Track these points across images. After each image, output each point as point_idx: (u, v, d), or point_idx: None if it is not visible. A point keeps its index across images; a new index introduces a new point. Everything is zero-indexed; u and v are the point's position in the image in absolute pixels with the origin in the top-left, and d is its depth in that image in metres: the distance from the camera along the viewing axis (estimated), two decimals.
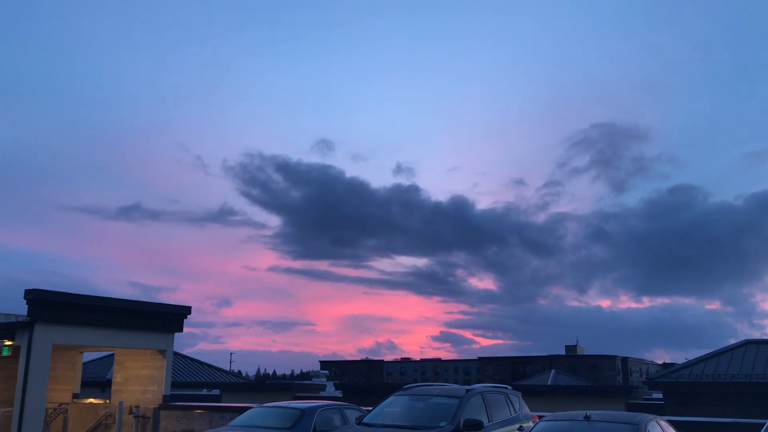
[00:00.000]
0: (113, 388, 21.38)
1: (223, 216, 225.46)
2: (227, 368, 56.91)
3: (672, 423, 11.35)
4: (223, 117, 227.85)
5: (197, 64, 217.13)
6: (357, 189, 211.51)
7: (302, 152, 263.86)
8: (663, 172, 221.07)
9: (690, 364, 24.28)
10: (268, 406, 13.62)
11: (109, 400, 21.53)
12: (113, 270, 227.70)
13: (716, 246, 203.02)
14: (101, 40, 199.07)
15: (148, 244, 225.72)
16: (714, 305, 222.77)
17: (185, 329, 21.26)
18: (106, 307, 18.76)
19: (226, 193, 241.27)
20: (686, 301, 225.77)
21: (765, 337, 26.74)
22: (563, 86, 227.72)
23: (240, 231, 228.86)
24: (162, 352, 20.30)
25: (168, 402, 19.75)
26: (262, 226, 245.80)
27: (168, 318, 20.38)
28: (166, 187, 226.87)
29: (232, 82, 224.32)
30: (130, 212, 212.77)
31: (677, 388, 23.02)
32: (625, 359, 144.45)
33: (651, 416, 9.94)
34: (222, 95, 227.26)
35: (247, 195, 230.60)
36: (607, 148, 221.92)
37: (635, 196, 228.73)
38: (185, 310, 20.83)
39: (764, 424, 9.05)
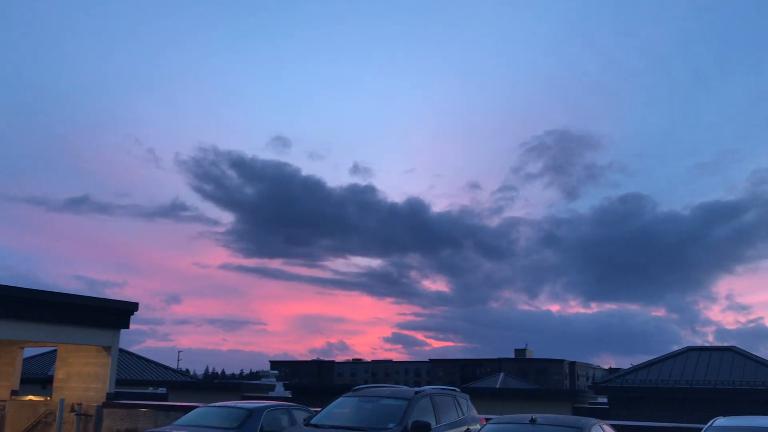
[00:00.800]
0: (55, 385, 20.77)
1: (174, 211, 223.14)
2: (175, 366, 56.09)
3: (616, 427, 11.56)
4: (176, 110, 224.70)
5: (151, 55, 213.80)
6: (313, 187, 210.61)
7: (258, 148, 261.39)
8: (614, 181, 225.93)
9: (634, 370, 24.84)
10: (214, 406, 13.41)
11: (50, 397, 20.92)
12: (59, 263, 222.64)
13: (663, 254, 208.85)
14: (49, 25, 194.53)
15: (96, 238, 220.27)
16: (659, 312, 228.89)
17: (132, 326, 20.81)
18: (48, 301, 18.20)
19: (178, 187, 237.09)
20: (633, 308, 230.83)
21: (706, 344, 27.56)
22: (521, 92, 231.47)
23: (191, 227, 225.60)
24: (107, 348, 19.80)
25: (112, 400, 19.27)
26: (215, 222, 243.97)
27: (114, 314, 19.89)
28: (116, 180, 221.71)
29: (187, 75, 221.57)
30: (78, 204, 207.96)
31: (622, 392, 23.53)
32: (572, 363, 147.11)
33: (595, 420, 10.10)
34: (176, 88, 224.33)
35: (199, 190, 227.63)
36: (561, 155, 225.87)
37: (586, 203, 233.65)
38: (132, 306, 20.37)
39: (701, 428, 9.27)
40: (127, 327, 20.27)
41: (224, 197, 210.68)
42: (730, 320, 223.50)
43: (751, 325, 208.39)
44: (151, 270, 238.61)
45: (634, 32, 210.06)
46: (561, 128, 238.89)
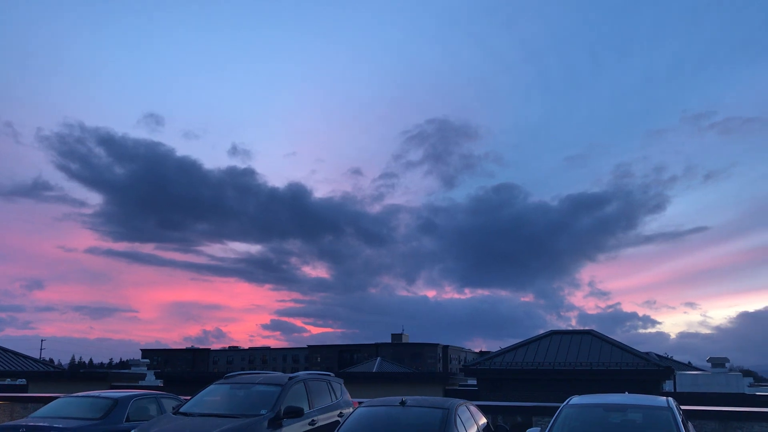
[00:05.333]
0: None
1: (36, 190, 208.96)
2: (37, 356, 52.89)
3: (482, 407, 12.08)
4: (39, 82, 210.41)
5: (10, 23, 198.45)
6: (188, 169, 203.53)
7: (128, 126, 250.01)
8: (489, 170, 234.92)
9: (502, 353, 25.97)
10: (77, 396, 12.83)
11: None
12: None
13: (532, 243, 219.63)
14: None
15: None
16: (528, 298, 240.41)
17: None
18: None
19: (41, 165, 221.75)
20: (504, 294, 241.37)
21: (569, 328, 29.26)
22: (404, 80, 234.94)
23: (55, 208, 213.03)
24: None
25: None
26: (81, 203, 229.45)
27: None
28: None
29: (51, 46, 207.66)
30: None
31: (490, 374, 24.57)
32: (446, 347, 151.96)
33: (461, 401, 10.52)
34: (39, 59, 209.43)
35: (64, 169, 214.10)
36: (440, 144, 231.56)
37: (463, 192, 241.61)
38: None
39: (559, 406, 9.88)
40: None
41: (92, 177, 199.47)
42: (591, 305, 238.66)
43: (610, 310, 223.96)
44: (10, 253, 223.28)
45: (513, 25, 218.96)
46: (441, 117, 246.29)
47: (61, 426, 11.00)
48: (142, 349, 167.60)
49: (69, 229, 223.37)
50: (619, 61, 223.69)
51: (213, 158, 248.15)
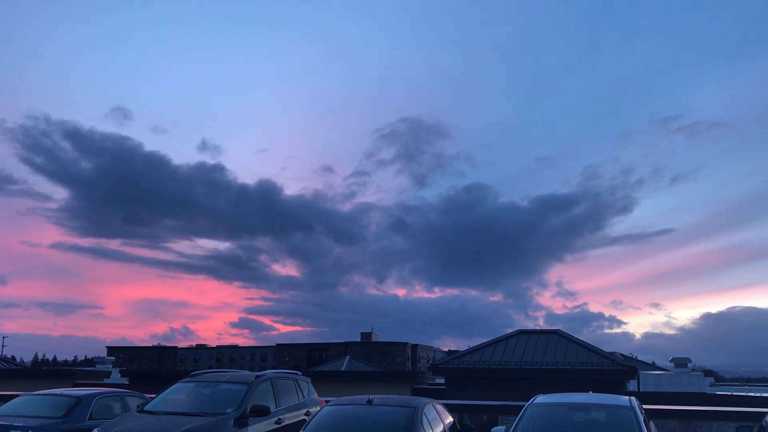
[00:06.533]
0: None
1: None
2: None
3: (449, 406, 12.16)
4: (1, 73, 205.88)
5: None
6: (156, 164, 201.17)
7: (95, 119, 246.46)
8: (460, 170, 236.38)
9: (470, 352, 26.15)
10: (39, 394, 12.60)
11: None
12: None
13: (502, 243, 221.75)
14: None
15: None
16: (497, 297, 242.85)
17: None
18: None
19: (4, 158, 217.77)
20: (473, 293, 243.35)
21: (536, 328, 29.54)
22: (378, 78, 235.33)
23: (19, 202, 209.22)
24: None
25: None
26: (46, 198, 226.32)
27: None
28: None
29: (14, 36, 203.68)
30: None
31: (457, 373, 24.75)
32: (414, 346, 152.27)
33: (428, 400, 10.57)
34: (1, 49, 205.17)
35: (28, 162, 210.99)
36: (412, 143, 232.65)
37: (434, 191, 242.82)
38: None
39: (524, 405, 9.98)
40: None
41: (57, 171, 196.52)
42: (559, 305, 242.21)
43: (577, 310, 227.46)
44: None
45: (487, 26, 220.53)
46: (414, 116, 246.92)
47: (21, 425, 10.80)
48: (107, 347, 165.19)
49: (33, 223, 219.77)
50: (591, 63, 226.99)
51: (182, 153, 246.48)
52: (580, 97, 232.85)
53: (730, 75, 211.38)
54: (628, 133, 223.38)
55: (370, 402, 9.71)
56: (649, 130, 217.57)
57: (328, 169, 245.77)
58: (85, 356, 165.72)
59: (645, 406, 10.48)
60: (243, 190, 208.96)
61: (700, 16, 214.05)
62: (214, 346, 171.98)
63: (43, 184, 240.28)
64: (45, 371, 31.60)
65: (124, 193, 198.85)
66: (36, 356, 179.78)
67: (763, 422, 11.61)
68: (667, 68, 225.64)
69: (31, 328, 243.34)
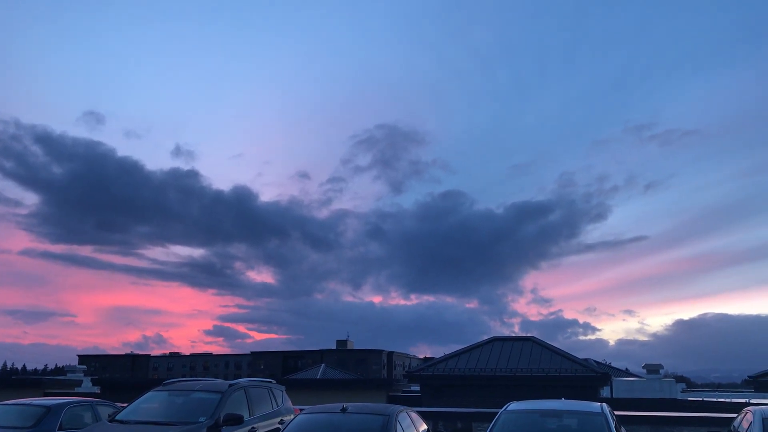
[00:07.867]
0: None
1: None
2: None
3: (424, 413, 12.19)
4: None
5: None
6: (129, 169, 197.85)
7: (67, 123, 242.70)
8: (436, 177, 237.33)
9: (445, 359, 26.22)
10: (7, 404, 12.35)
11: None
12: None
13: (477, 250, 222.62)
14: None
15: None
16: (472, 304, 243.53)
17: None
18: None
19: None
20: (449, 300, 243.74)
21: (511, 335, 29.72)
22: (355, 84, 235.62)
23: None
24: None
25: None
26: (16, 203, 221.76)
27: None
28: None
29: None
30: None
31: (432, 380, 24.79)
32: (390, 353, 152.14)
33: (402, 407, 10.59)
34: None
35: None
36: (388, 149, 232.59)
37: (410, 198, 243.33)
38: None
39: (497, 412, 10.05)
40: None
41: (27, 176, 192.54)
42: (534, 312, 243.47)
43: (552, 317, 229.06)
44: None
45: (464, 33, 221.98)
46: (390, 123, 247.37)
47: None
48: (78, 355, 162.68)
49: (2, 229, 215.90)
50: (567, 71, 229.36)
51: (155, 159, 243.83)
52: (556, 104, 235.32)
53: (702, 83, 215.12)
54: (603, 141, 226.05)
55: (344, 410, 9.71)
56: (624, 138, 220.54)
57: (305, 176, 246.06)
58: (56, 365, 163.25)
59: (617, 413, 10.61)
60: (218, 196, 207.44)
61: (674, 26, 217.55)
62: (188, 354, 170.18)
63: (12, 190, 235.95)
64: (14, 381, 31.00)
65: (97, 199, 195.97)
66: (5, 365, 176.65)
67: (731, 427, 11.83)
68: (642, 77, 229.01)
69: None
